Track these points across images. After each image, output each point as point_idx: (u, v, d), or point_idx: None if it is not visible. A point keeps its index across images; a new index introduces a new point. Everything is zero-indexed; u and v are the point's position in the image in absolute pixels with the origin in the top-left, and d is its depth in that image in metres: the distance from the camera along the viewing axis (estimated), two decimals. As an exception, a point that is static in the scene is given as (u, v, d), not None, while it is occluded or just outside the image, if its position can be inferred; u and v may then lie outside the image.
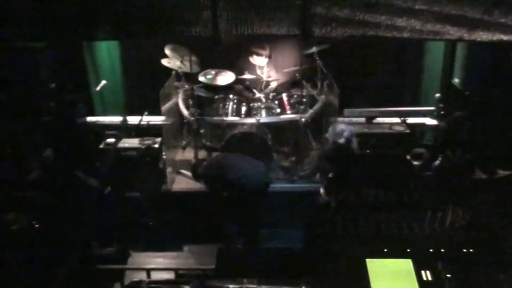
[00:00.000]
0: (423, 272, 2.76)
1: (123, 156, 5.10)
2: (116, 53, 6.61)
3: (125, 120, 4.69)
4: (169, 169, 5.44)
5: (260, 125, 5.52)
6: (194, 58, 5.42)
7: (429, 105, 5.98)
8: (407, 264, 2.82)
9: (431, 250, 2.96)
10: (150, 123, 5.39)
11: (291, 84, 6.19)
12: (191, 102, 5.59)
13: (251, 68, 6.06)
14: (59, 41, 5.71)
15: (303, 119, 5.39)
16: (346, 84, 6.22)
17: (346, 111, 5.64)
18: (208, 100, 5.89)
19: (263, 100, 5.71)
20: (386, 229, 3.25)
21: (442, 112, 5.45)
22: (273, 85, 6.08)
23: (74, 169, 4.26)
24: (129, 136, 5.27)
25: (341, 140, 4.31)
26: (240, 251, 4.34)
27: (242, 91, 5.92)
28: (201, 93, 5.78)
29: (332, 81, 5.50)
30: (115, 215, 4.79)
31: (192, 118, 5.47)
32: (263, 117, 5.57)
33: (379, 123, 5.67)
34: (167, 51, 5.71)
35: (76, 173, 4.26)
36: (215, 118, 5.65)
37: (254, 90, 5.90)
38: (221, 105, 5.74)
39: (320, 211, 4.16)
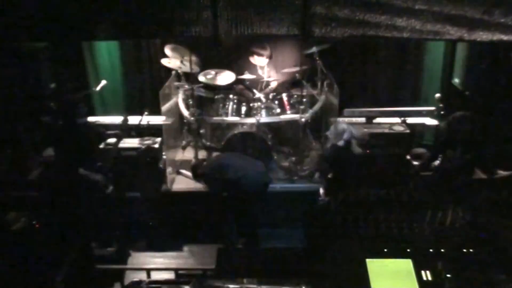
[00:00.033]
0: (423, 272, 2.76)
1: (123, 156, 5.10)
2: (116, 53, 6.61)
3: (126, 120, 4.69)
4: (169, 169, 5.44)
5: (260, 125, 5.52)
6: (194, 58, 5.42)
7: (429, 105, 5.98)
8: (407, 264, 2.82)
9: (431, 250, 2.96)
10: (150, 123, 5.39)
11: (291, 84, 6.20)
12: (191, 102, 5.59)
13: (251, 68, 6.07)
14: (59, 41, 5.71)
15: (303, 119, 5.39)
16: (346, 84, 6.24)
17: (346, 111, 5.64)
18: (208, 100, 5.89)
19: (263, 100, 5.71)
20: (386, 229, 3.24)
21: (442, 112, 5.45)
22: (273, 85, 6.08)
23: (75, 169, 4.26)
24: (129, 136, 5.28)
25: (340, 143, 4.28)
26: (240, 251, 4.34)
27: (243, 91, 5.92)
28: (201, 93, 5.78)
29: (332, 81, 5.50)
30: (115, 215, 4.80)
31: (192, 118, 5.47)
32: (263, 117, 5.58)
33: (379, 123, 5.67)
34: (167, 51, 5.71)
35: (79, 171, 4.25)
36: (215, 118, 5.65)
37: (254, 90, 5.90)
38: (221, 105, 5.75)
39: (320, 211, 4.16)
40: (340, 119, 5.23)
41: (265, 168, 4.75)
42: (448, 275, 2.74)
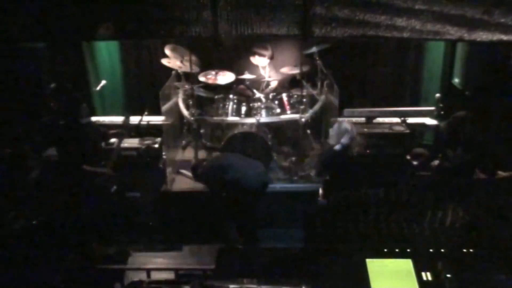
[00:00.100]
0: (423, 272, 2.76)
1: (123, 156, 5.10)
2: (116, 53, 6.61)
3: (127, 119, 4.69)
4: (169, 169, 5.44)
5: (260, 125, 5.52)
6: (194, 58, 5.42)
7: (429, 105, 5.98)
8: (407, 264, 2.82)
9: (431, 250, 2.96)
10: (150, 123, 5.39)
11: (291, 84, 6.20)
12: (191, 102, 5.59)
13: (252, 68, 6.07)
14: (59, 41, 5.71)
15: (303, 119, 5.39)
16: (346, 84, 6.24)
17: (346, 111, 5.64)
18: (208, 100, 5.89)
19: (263, 100, 5.71)
20: (386, 229, 3.25)
21: (442, 112, 5.46)
22: (273, 85, 6.08)
23: (78, 169, 4.26)
24: (129, 136, 5.28)
25: (337, 147, 4.25)
26: (240, 251, 4.34)
27: (245, 91, 5.92)
28: (201, 93, 5.78)
29: (332, 81, 5.50)
30: (115, 215, 4.80)
31: (192, 118, 5.47)
32: (263, 117, 5.58)
33: (379, 123, 5.67)
34: (167, 51, 5.71)
35: (83, 170, 4.25)
36: (215, 118, 5.65)
37: (255, 90, 5.91)
38: (221, 105, 5.75)
39: (320, 211, 4.16)
40: (345, 119, 5.21)
41: (265, 168, 4.75)
42: (448, 275, 2.73)
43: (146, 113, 5.23)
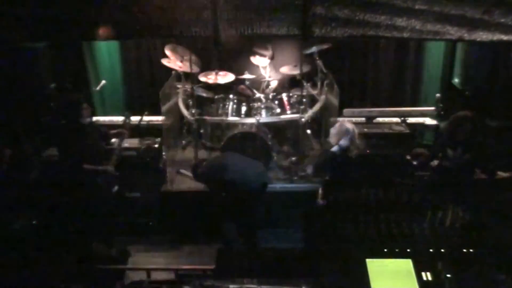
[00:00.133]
0: (423, 272, 2.76)
1: (123, 156, 5.10)
2: (116, 53, 6.61)
3: (128, 119, 4.69)
4: (169, 169, 5.44)
5: (260, 125, 5.52)
6: (194, 58, 5.42)
7: (429, 105, 5.99)
8: (407, 264, 2.82)
9: (431, 250, 2.96)
10: (150, 123, 5.39)
11: (291, 84, 6.20)
12: (191, 102, 5.59)
13: (252, 68, 6.07)
14: (59, 41, 5.71)
15: (303, 119, 5.39)
16: (346, 84, 6.24)
17: (346, 111, 5.65)
18: (208, 100, 5.89)
19: (263, 100, 5.71)
20: (386, 229, 3.24)
21: (442, 112, 5.46)
22: (273, 85, 6.09)
23: (79, 169, 4.26)
24: (130, 135, 5.28)
25: (334, 148, 4.23)
26: (240, 251, 4.34)
27: (245, 90, 5.92)
28: (201, 93, 5.78)
29: (332, 81, 5.50)
30: (115, 215, 4.80)
31: (192, 118, 5.47)
32: (263, 117, 5.58)
33: (379, 123, 5.68)
34: (167, 51, 5.71)
35: (85, 170, 4.25)
36: (215, 118, 5.65)
37: (254, 90, 5.91)
38: (221, 105, 5.75)
39: (320, 211, 4.16)
40: (346, 119, 5.20)
41: (264, 168, 4.75)
42: (448, 275, 2.73)
43: (146, 113, 5.23)
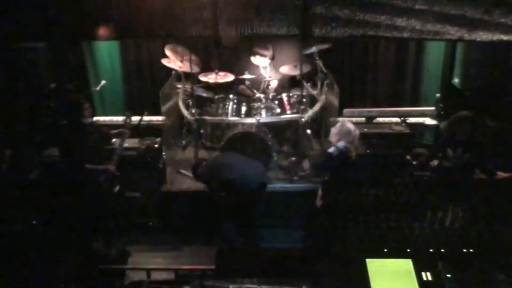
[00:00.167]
0: (423, 272, 2.76)
1: (123, 156, 5.10)
2: (116, 53, 6.62)
3: (129, 119, 4.69)
4: (169, 169, 5.44)
5: (260, 125, 5.52)
6: (194, 58, 5.42)
7: (429, 105, 5.99)
8: (407, 264, 2.82)
9: (431, 250, 2.96)
10: (150, 123, 5.39)
11: (291, 84, 6.20)
12: (191, 102, 5.59)
13: (252, 68, 6.07)
14: (59, 41, 5.71)
15: (303, 119, 5.39)
16: (346, 84, 6.24)
17: (346, 111, 5.65)
18: (208, 100, 5.90)
19: (263, 100, 5.71)
20: (386, 229, 3.24)
21: (442, 112, 5.46)
22: (273, 85, 6.09)
23: (80, 169, 4.26)
24: (129, 135, 5.28)
25: (331, 149, 4.22)
26: (240, 251, 4.34)
27: (245, 90, 5.93)
28: (201, 93, 5.78)
29: (332, 81, 5.50)
30: (115, 215, 4.80)
31: (192, 118, 5.47)
32: (263, 117, 5.58)
33: (379, 123, 5.67)
34: (167, 51, 5.71)
35: (86, 170, 4.25)
36: (215, 118, 5.65)
37: (255, 90, 5.91)
38: (221, 105, 5.75)
39: (320, 211, 4.16)
40: (347, 119, 5.19)
41: (264, 168, 4.75)
42: (448, 275, 2.73)
43: (146, 113, 5.23)
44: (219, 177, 4.39)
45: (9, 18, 3.26)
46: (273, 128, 5.82)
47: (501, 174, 4.37)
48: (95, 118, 5.61)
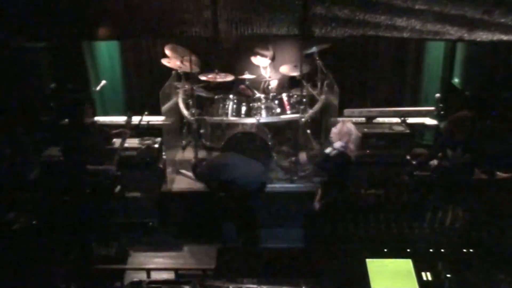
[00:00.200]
0: (423, 272, 2.76)
1: (123, 156, 5.10)
2: (116, 53, 6.61)
3: (130, 118, 4.69)
4: (169, 169, 5.44)
5: (260, 125, 5.52)
6: (194, 58, 5.42)
7: (429, 105, 5.98)
8: (407, 264, 2.82)
9: (431, 250, 2.96)
10: (150, 123, 5.38)
11: (291, 84, 6.20)
12: (191, 102, 5.59)
13: (252, 68, 6.07)
14: (59, 41, 5.71)
15: (303, 119, 5.39)
16: (346, 84, 6.23)
17: (346, 111, 5.64)
18: (208, 100, 5.89)
19: (263, 100, 5.71)
20: (386, 229, 3.24)
21: (442, 112, 5.45)
22: (273, 85, 6.08)
23: (81, 169, 4.26)
24: (130, 135, 5.28)
25: (328, 150, 4.21)
26: (240, 251, 4.34)
27: (245, 90, 5.92)
28: (201, 93, 5.78)
29: (332, 81, 5.50)
30: (115, 215, 4.80)
31: (192, 118, 5.47)
32: (263, 117, 5.57)
33: (379, 123, 5.67)
34: (167, 51, 5.71)
35: (87, 170, 4.25)
36: (215, 118, 5.65)
37: (255, 90, 5.91)
38: (221, 105, 5.74)
39: (320, 211, 4.16)
40: (348, 119, 5.19)
41: (263, 168, 4.75)
42: (448, 275, 2.73)
43: (146, 113, 5.23)
44: (219, 177, 4.39)
45: (9, 18, 3.26)
46: (273, 128, 5.81)
47: (500, 174, 4.38)
48: (95, 118, 5.60)
